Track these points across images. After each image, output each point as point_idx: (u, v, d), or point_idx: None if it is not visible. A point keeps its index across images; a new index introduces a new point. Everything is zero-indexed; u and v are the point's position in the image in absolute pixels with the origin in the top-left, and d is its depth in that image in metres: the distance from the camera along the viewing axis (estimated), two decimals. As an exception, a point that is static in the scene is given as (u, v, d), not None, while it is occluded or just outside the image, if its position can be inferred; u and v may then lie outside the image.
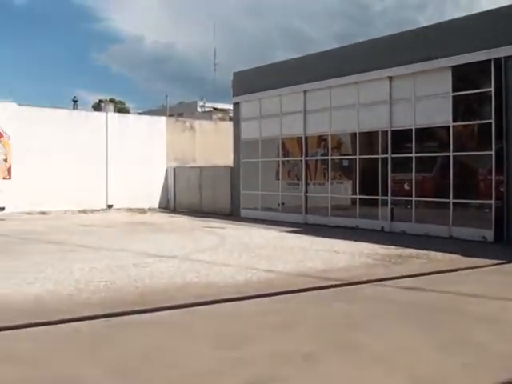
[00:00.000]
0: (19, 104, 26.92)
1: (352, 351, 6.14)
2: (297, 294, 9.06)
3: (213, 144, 30.90)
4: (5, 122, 25.74)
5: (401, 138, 18.54)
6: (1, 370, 5.47)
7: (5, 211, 25.15)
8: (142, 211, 27.38)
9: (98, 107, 35.80)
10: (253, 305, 8.45)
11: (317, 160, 22.25)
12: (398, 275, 10.60)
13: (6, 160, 25.74)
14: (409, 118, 17.93)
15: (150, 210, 28.43)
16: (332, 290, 9.48)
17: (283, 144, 23.39)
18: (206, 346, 6.24)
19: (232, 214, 25.12)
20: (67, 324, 7.19)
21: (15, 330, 6.85)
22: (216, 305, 8.31)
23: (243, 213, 24.56)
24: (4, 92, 73.51)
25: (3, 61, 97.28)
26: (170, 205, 30.06)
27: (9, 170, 25.80)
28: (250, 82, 24.41)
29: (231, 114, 30.38)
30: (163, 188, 30.35)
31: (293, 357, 5.91)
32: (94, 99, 64.38)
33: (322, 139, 21.87)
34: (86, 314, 7.52)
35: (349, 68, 19.61)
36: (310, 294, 9.12)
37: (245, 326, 7.20)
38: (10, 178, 25.74)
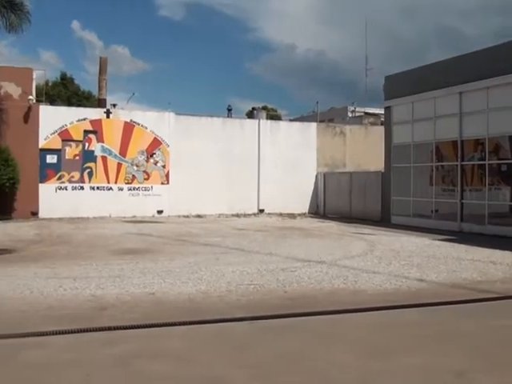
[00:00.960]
0: (177, 113, 28.46)
1: (510, 372, 5.72)
2: (449, 306, 8.67)
3: (363, 149, 30.57)
4: (164, 131, 27.34)
5: None
6: (151, 365, 5.75)
7: (163, 214, 26.68)
8: (291, 216, 27.69)
9: (250, 115, 36.73)
10: (402, 315, 8.19)
11: (473, 165, 21.20)
12: None
13: (164, 166, 27.29)
14: None
15: (300, 215, 28.68)
16: (487, 303, 8.98)
17: (437, 148, 22.53)
18: (351, 355, 6.12)
19: (382, 220, 24.64)
20: (217, 324, 7.44)
21: (168, 327, 7.18)
22: (363, 313, 8.17)
23: (394, 219, 24.00)
24: (163, 103, 78.32)
25: (163, 74, 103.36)
26: (319, 210, 30.11)
27: (167, 175, 27.32)
28: (402, 84, 23.83)
29: (383, 119, 29.80)
30: (313, 193, 30.48)
31: (443, 373, 5.61)
32: (248, 107, 66.39)
33: (478, 143, 20.80)
34: (235, 315, 7.74)
35: (508, 66, 18.46)
36: (464, 307, 8.68)
37: (392, 336, 6.98)
38: (168, 183, 27.25)
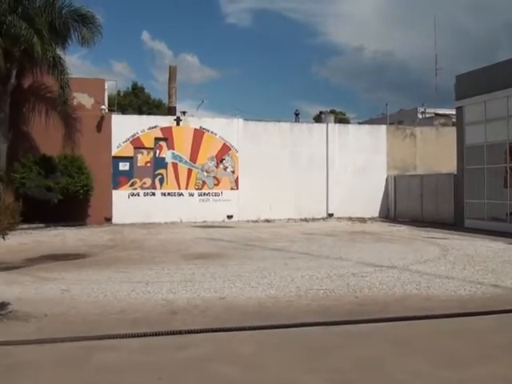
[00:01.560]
0: (245, 119, 28.72)
1: None
2: (526, 313, 8.33)
3: (434, 151, 29.91)
4: (233, 137, 27.61)
5: None
6: (222, 369, 5.78)
7: (233, 219, 26.91)
8: (361, 220, 27.36)
9: (318, 119, 36.55)
10: (476, 322, 7.93)
11: (549, 165, 20.35)
12: None
13: (233, 172, 27.54)
14: None
15: (370, 219, 28.29)
16: None
17: (511, 149, 21.76)
18: (426, 364, 5.97)
19: (455, 223, 23.99)
20: (288, 329, 7.40)
21: (239, 332, 7.22)
22: (437, 320, 7.95)
23: (467, 223, 23.33)
24: (232, 109, 78.99)
25: (232, 80, 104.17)
26: (389, 214, 29.64)
27: (236, 181, 27.55)
28: (474, 84, 23.17)
29: (454, 119, 29.05)
30: (383, 197, 30.04)
31: (521, 382, 5.41)
32: (315, 111, 65.99)
33: (554, 142, 19.96)
34: (305, 320, 7.68)
35: None
36: (543, 313, 8.33)
37: (467, 344, 6.77)
38: (237, 189, 27.48)
